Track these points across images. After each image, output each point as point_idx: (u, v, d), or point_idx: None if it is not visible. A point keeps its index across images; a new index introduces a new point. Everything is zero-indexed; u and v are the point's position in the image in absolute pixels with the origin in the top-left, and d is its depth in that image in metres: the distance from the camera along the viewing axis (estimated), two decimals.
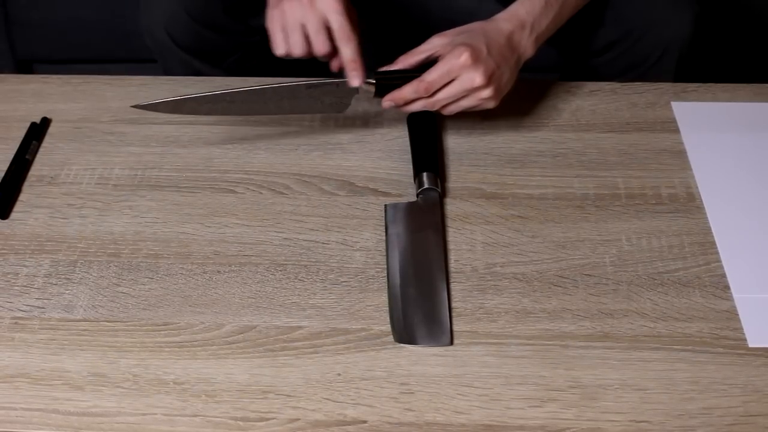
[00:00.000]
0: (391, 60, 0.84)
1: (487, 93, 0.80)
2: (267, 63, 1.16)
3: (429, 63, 0.81)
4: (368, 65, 0.85)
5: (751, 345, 0.70)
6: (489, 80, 0.80)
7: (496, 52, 0.81)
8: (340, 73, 0.86)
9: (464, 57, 0.78)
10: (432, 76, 0.79)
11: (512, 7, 0.85)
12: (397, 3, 1.14)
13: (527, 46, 0.84)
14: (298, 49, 0.85)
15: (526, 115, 0.93)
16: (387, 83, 0.82)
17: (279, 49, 0.86)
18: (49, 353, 0.70)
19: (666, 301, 0.73)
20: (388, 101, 0.82)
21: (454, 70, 0.79)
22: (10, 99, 0.96)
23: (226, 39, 1.09)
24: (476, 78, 0.79)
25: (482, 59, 0.79)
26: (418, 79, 0.80)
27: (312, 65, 0.99)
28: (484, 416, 0.65)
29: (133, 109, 0.85)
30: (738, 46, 1.48)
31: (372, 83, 0.82)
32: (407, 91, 0.81)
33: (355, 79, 0.82)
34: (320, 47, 0.83)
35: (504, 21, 0.83)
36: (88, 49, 1.43)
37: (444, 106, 0.82)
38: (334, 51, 0.84)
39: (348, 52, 0.82)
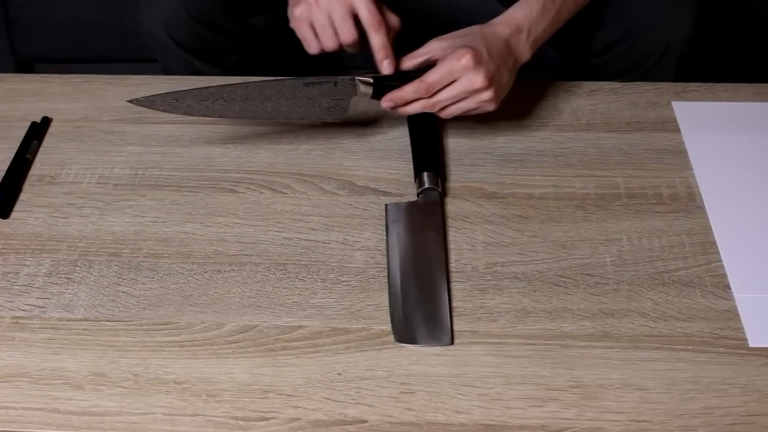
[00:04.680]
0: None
1: (487, 95, 0.80)
2: (267, 63, 1.16)
3: (427, 67, 0.81)
4: (366, 65, 0.85)
5: (751, 345, 0.70)
6: (490, 82, 0.80)
7: (496, 54, 0.81)
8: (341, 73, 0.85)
9: (466, 59, 0.78)
10: (433, 76, 0.79)
11: (510, 12, 0.85)
12: (399, 1, 1.14)
13: (524, 51, 0.84)
14: (330, 44, 0.84)
15: (527, 115, 0.93)
16: (386, 84, 0.82)
17: (312, 48, 0.85)
18: (50, 353, 0.70)
19: (667, 301, 0.73)
20: (387, 101, 0.82)
21: (456, 71, 0.79)
22: (11, 98, 0.96)
23: (225, 39, 1.09)
24: (477, 79, 0.79)
25: (483, 61, 0.79)
26: (419, 79, 0.80)
27: (313, 68, 0.99)
28: (484, 416, 0.65)
29: (133, 108, 0.84)
30: (738, 46, 1.48)
31: (370, 83, 0.82)
32: (408, 91, 0.80)
33: (387, 66, 0.82)
34: (347, 35, 0.82)
35: (501, 25, 0.83)
36: (88, 49, 1.43)
37: (443, 108, 0.82)
38: (360, 40, 0.83)
39: (377, 40, 0.81)
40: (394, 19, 0.84)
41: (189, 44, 1.08)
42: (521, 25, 0.84)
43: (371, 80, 0.82)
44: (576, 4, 0.89)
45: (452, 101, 0.81)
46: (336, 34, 0.83)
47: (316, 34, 0.84)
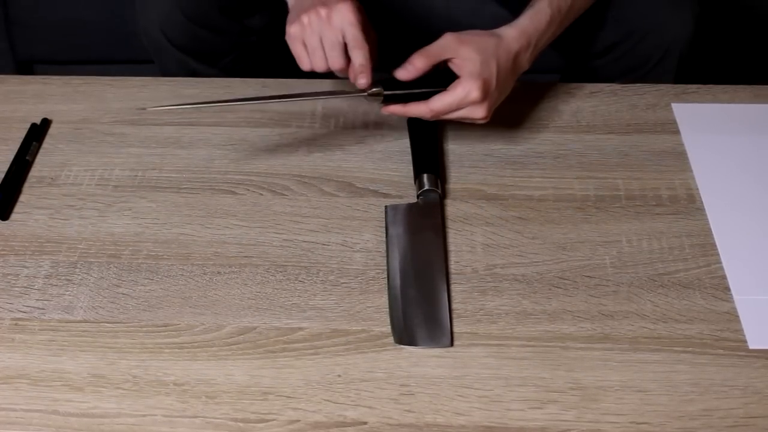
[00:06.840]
0: (393, 58, 0.83)
1: (483, 121, 0.82)
2: (263, 63, 1.16)
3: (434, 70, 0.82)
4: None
5: (751, 347, 0.70)
6: (490, 111, 0.82)
7: (502, 80, 0.82)
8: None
9: (474, 95, 0.79)
10: (439, 105, 0.80)
11: (521, 23, 0.84)
12: (401, 2, 1.14)
13: (526, 63, 0.85)
14: (320, 66, 0.84)
15: (527, 117, 0.93)
16: (394, 95, 0.82)
17: (304, 65, 0.85)
18: (49, 354, 0.70)
19: (666, 303, 0.73)
20: (390, 111, 0.83)
21: (463, 104, 0.80)
22: (11, 100, 0.96)
23: (221, 39, 1.09)
24: (479, 112, 0.81)
25: (489, 94, 0.80)
26: (426, 104, 0.80)
27: None
28: (484, 418, 0.65)
29: (133, 110, 0.85)
30: (738, 48, 1.47)
31: (380, 97, 0.82)
32: (412, 110, 0.82)
33: (362, 80, 0.82)
34: (335, 62, 0.82)
35: (514, 40, 0.83)
36: (88, 50, 1.43)
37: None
38: (347, 68, 0.84)
39: (358, 58, 0.81)
40: (373, 35, 0.84)
41: (185, 44, 1.08)
42: (531, 39, 0.84)
43: (381, 96, 0.82)
44: (576, 13, 0.89)
45: (449, 117, 0.82)
46: (326, 58, 0.83)
47: (308, 53, 0.85)
